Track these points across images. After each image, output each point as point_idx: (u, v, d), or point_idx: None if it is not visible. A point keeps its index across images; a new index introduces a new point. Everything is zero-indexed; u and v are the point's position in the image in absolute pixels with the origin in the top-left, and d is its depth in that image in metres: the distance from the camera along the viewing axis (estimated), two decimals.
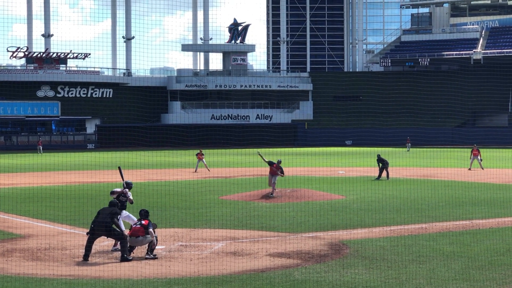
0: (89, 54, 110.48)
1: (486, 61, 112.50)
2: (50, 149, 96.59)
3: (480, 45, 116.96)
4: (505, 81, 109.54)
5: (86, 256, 19.59)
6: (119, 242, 19.96)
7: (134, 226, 20.22)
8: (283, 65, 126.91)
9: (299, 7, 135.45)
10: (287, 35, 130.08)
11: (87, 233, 20.00)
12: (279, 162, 35.62)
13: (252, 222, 26.46)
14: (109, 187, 38.06)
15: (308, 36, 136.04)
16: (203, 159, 53.84)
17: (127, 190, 22.06)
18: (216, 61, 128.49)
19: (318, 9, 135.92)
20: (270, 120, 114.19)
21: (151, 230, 20.06)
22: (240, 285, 16.56)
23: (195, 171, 53.29)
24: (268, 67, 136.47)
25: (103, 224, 19.86)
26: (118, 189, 22.00)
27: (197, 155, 54.33)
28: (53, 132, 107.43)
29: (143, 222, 20.21)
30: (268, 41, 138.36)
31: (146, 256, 19.71)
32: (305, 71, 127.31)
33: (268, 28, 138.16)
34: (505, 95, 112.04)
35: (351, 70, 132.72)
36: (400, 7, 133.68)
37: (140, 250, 20.28)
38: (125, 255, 19.49)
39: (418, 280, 16.80)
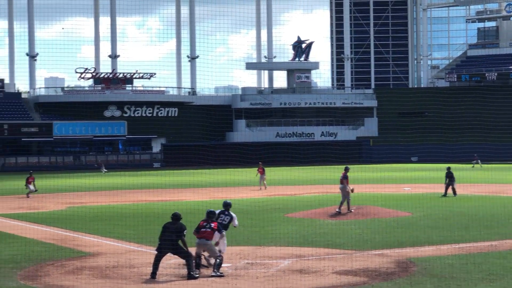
0: (155, 73, 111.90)
1: None
2: (117, 168, 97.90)
3: None
4: None
5: (153, 274, 19.66)
6: (185, 260, 20.05)
7: (204, 229, 20.24)
8: (347, 82, 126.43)
9: (363, 24, 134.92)
10: (351, 52, 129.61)
11: (156, 250, 20.13)
12: (347, 169, 35.55)
13: (318, 239, 26.34)
14: (175, 205, 38.38)
15: (372, 52, 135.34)
16: (264, 175, 54.03)
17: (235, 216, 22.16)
18: (280, 79, 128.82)
19: (382, 25, 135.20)
20: (335, 137, 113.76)
21: (223, 232, 20.33)
22: None
23: (260, 189, 53.41)
24: (332, 84, 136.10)
25: (169, 241, 19.89)
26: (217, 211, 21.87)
27: (258, 170, 54.59)
28: (120, 151, 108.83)
29: (212, 225, 20.31)
30: (332, 58, 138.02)
31: (212, 274, 19.77)
32: (369, 87, 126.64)
33: (332, 45, 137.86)
34: None
35: (416, 86, 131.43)
36: (466, 22, 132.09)
37: (205, 270, 20.34)
38: (192, 273, 19.56)
39: None
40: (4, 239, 27.47)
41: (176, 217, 20.25)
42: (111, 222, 32.55)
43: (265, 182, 54.28)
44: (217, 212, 21.62)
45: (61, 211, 38.99)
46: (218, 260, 19.98)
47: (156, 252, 20.03)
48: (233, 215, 21.89)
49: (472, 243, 24.81)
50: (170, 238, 19.84)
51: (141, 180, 68.46)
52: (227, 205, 22.04)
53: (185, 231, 20.09)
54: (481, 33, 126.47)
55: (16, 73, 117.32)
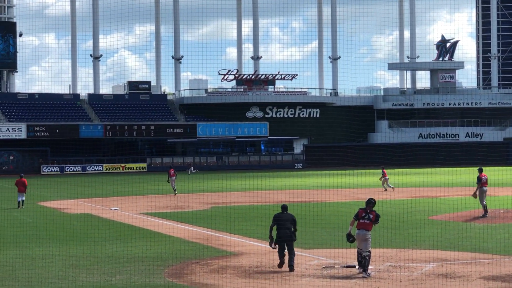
0: (297, 75, 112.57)
1: None
2: (259, 169, 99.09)
3: None
4: None
5: (282, 264, 20.76)
6: (289, 253, 20.74)
7: (362, 220, 20.18)
8: (494, 82, 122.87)
9: (511, 21, 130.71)
10: (498, 50, 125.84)
11: (275, 243, 20.91)
12: (481, 170, 34.63)
13: (464, 243, 25.66)
14: (317, 206, 38.39)
15: None
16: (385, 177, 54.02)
17: None
18: (423, 79, 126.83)
19: None
20: (480, 138, 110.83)
21: (377, 225, 20.50)
22: None
23: (385, 190, 53.25)
24: (478, 84, 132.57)
25: (288, 230, 20.98)
26: None
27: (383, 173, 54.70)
28: (262, 152, 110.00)
29: (371, 216, 20.25)
30: (478, 57, 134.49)
31: (363, 275, 19.72)
32: None
33: (477, 43, 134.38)
34: None
35: None
36: None
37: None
38: (293, 264, 20.55)
39: None
40: (151, 237, 28.27)
41: (286, 208, 21.70)
42: (254, 222, 32.88)
43: (389, 184, 54.29)
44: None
45: (205, 210, 39.79)
46: (367, 258, 19.87)
47: (272, 244, 21.15)
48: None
49: None
50: (288, 227, 20.97)
51: (283, 180, 68.89)
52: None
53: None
54: None
55: (162, 75, 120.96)
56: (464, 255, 23.22)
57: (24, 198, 42.56)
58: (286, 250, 20.79)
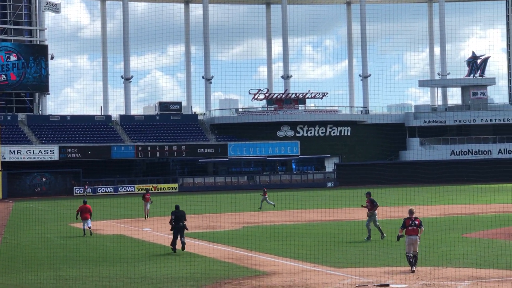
0: (327, 93, 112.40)
1: None
2: (291, 188, 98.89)
3: None
4: None
5: (175, 249, 29.72)
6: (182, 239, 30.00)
7: (410, 228, 23.35)
8: None
9: None
10: None
11: (174, 230, 30.11)
12: (368, 194, 35.44)
13: (498, 261, 25.38)
14: (348, 225, 38.19)
15: None
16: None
17: None
18: (454, 96, 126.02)
19: None
20: None
21: (423, 228, 23.59)
22: None
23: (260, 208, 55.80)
24: (510, 100, 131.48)
25: (183, 224, 30.09)
26: None
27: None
28: (293, 171, 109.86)
29: (416, 222, 23.41)
30: (509, 73, 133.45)
31: (413, 269, 22.91)
32: None
33: (509, 59, 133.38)
34: None
35: None
36: None
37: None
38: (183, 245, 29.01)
39: None
40: (184, 258, 28.30)
41: (178, 206, 30.85)
42: (286, 241, 32.80)
43: (268, 201, 57.10)
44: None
45: (237, 230, 39.77)
46: (416, 257, 23.38)
47: (173, 232, 29.92)
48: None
49: None
50: (182, 221, 30.00)
51: (314, 199, 68.63)
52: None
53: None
54: None
55: (193, 95, 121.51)
56: (499, 272, 22.98)
57: (91, 225, 39.09)
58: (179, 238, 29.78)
